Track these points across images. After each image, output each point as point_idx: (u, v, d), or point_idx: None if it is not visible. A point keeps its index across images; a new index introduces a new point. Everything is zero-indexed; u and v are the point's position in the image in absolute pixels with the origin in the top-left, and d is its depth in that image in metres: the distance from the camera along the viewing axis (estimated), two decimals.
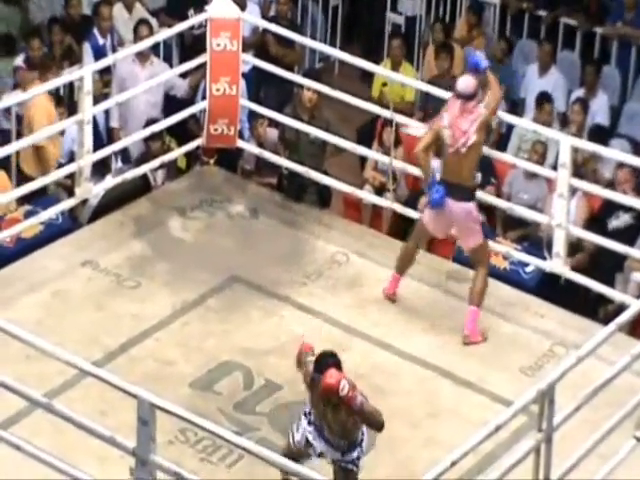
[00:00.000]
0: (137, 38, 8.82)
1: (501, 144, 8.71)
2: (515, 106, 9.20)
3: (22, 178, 7.91)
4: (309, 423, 5.37)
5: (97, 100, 7.79)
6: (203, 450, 5.95)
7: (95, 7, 9.45)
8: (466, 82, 6.74)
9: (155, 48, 8.96)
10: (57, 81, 8.13)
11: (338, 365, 5.21)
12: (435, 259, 7.48)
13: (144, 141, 8.23)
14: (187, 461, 5.67)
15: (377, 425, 5.28)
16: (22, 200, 7.73)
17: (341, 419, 5.24)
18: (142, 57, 8.69)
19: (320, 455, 5.36)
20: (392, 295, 7.07)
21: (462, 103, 6.70)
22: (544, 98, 8.80)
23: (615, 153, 7.71)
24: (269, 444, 5.71)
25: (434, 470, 4.69)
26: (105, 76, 8.63)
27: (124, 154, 8.48)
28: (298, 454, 5.42)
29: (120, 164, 8.36)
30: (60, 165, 8.08)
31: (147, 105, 8.60)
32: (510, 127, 8.74)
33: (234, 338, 6.70)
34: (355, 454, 5.36)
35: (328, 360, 5.23)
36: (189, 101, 8.69)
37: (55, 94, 8.42)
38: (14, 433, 5.48)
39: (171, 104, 8.80)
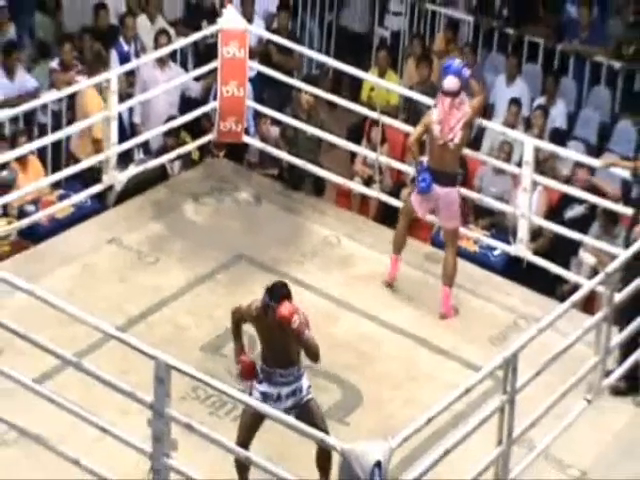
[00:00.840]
0: (157, 46, 8.75)
1: (474, 144, 8.68)
2: (485, 111, 9.14)
3: (75, 163, 7.75)
4: (259, 383, 5.17)
5: (122, 98, 7.74)
6: (211, 405, 5.92)
7: (121, 18, 9.37)
8: (451, 81, 6.68)
9: (173, 54, 8.90)
10: (85, 82, 8.07)
11: (289, 296, 5.03)
12: (415, 242, 7.42)
13: (162, 136, 8.18)
14: (197, 414, 5.60)
15: (315, 357, 5.07)
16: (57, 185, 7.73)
17: (288, 341, 5.04)
18: (161, 62, 8.63)
19: (277, 399, 5.10)
20: (392, 281, 6.91)
21: (450, 100, 6.63)
22: (513, 103, 8.77)
23: (571, 153, 7.68)
24: None
25: (412, 425, 4.66)
26: (129, 78, 8.57)
27: (145, 146, 8.43)
28: (253, 424, 5.16)
29: (142, 155, 8.31)
30: None
31: (165, 104, 8.54)
32: (482, 129, 8.71)
33: None
34: (305, 383, 5.17)
35: (282, 291, 5.01)
36: (202, 101, 8.63)
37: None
38: (48, 387, 5.46)
39: (186, 104, 8.75)
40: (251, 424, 5.16)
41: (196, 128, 8.38)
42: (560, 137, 8.69)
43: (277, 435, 5.26)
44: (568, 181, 7.78)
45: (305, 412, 5.14)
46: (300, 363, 5.16)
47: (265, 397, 5.15)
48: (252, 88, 8.40)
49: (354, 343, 6.42)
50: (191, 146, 8.19)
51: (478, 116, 6.95)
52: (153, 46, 9.00)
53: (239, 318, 5.28)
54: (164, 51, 8.35)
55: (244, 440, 5.13)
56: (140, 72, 8.60)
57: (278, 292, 5.03)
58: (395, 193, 8.02)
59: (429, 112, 6.77)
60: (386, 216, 7.79)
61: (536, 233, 7.47)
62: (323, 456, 5.15)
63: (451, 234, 6.83)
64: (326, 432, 5.00)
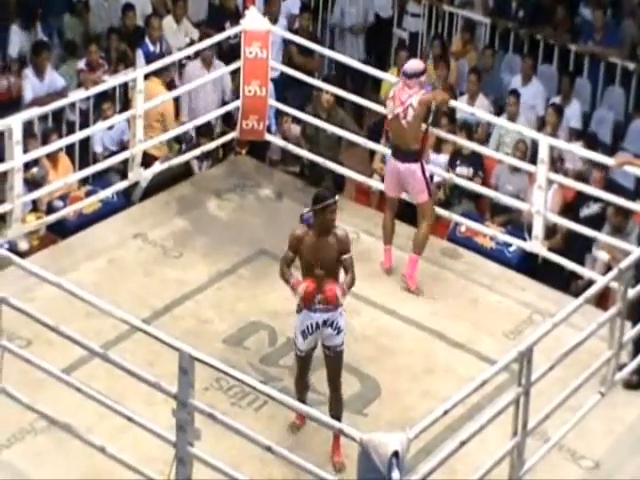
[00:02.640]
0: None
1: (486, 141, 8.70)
2: (502, 110, 9.11)
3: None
4: (298, 311, 5.47)
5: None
6: (234, 396, 5.93)
7: (147, 19, 9.38)
8: (412, 64, 6.82)
9: (196, 55, 8.91)
10: (113, 81, 8.09)
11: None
12: (432, 238, 7.40)
13: (196, 136, 8.22)
14: (220, 405, 5.64)
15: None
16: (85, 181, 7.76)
17: (328, 256, 5.42)
18: (206, 61, 8.61)
19: (316, 328, 5.43)
20: (390, 269, 6.99)
21: (404, 80, 6.74)
22: (512, 94, 8.80)
23: (586, 152, 7.59)
24: (290, 392, 5.66)
25: (429, 417, 4.66)
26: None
27: (190, 140, 8.46)
28: (305, 363, 5.58)
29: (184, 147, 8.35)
30: (114, 152, 8.05)
31: (213, 101, 8.51)
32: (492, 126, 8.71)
33: (261, 302, 6.66)
34: (342, 322, 5.46)
35: (325, 194, 5.49)
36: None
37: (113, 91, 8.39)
38: (75, 378, 5.48)
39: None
40: (302, 365, 5.59)
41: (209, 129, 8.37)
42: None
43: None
44: (584, 179, 7.74)
45: (336, 360, 5.51)
46: (338, 298, 5.42)
47: (304, 334, 5.48)
48: (274, 88, 8.39)
49: (373, 336, 6.41)
50: (214, 144, 8.19)
51: (434, 108, 6.91)
52: (179, 46, 9.03)
53: (293, 254, 5.51)
54: (189, 51, 8.34)
55: (300, 375, 5.61)
56: (186, 71, 8.66)
57: (321, 197, 5.47)
58: None
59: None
60: (404, 213, 7.76)
61: (551, 230, 7.44)
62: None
63: (421, 207, 6.89)
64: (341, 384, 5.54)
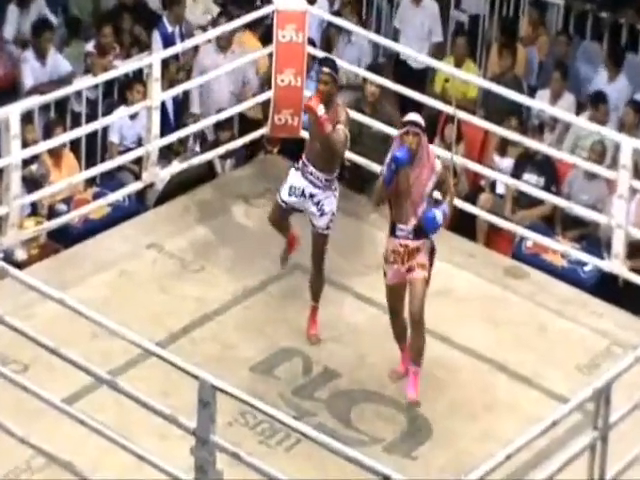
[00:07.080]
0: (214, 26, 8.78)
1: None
2: (578, 107, 9.06)
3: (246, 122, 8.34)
4: (296, 169, 6.48)
5: (172, 85, 7.84)
6: (261, 433, 5.95)
7: None
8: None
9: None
10: (125, 67, 8.16)
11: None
12: (493, 254, 7.42)
13: (214, 130, 8.25)
14: (246, 443, 5.66)
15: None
16: (91, 182, 7.84)
17: (324, 145, 6.35)
18: (223, 46, 8.62)
19: (302, 195, 6.46)
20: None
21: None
22: (600, 98, 8.69)
23: None
24: (326, 429, 5.71)
25: (489, 463, 4.65)
26: (174, 63, 8.65)
27: (203, 140, 8.49)
28: (283, 213, 6.62)
29: (198, 149, 8.37)
30: (128, 150, 8.12)
31: (227, 93, 8.52)
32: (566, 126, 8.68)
33: (294, 325, 6.69)
34: (328, 205, 6.52)
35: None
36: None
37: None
38: (79, 408, 5.49)
39: None
40: (280, 214, 6.67)
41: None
42: None
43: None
44: None
45: (318, 241, 6.56)
46: (332, 176, 6.49)
47: (290, 191, 6.50)
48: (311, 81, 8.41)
49: (424, 368, 6.40)
50: (241, 142, 8.25)
51: None
52: (200, 24, 9.10)
53: None
54: (217, 32, 8.36)
55: (274, 219, 6.76)
56: (200, 57, 8.66)
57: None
58: (471, 198, 8.00)
59: None
60: (460, 224, 7.77)
61: (635, 248, 7.40)
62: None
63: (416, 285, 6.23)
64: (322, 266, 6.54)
